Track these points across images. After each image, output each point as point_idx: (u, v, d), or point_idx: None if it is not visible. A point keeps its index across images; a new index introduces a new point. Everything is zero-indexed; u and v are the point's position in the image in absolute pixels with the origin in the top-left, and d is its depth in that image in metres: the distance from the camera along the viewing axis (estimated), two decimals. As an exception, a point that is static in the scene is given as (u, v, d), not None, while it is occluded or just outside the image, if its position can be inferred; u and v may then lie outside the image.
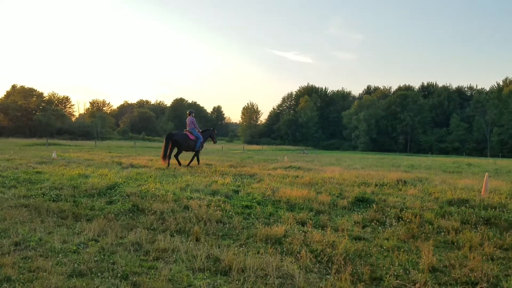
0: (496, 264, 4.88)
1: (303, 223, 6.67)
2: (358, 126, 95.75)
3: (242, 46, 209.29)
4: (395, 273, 4.49)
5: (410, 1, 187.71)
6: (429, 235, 6.16)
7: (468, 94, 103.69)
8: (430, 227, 6.48)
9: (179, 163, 15.12)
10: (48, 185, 9.05)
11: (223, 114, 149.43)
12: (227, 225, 6.38)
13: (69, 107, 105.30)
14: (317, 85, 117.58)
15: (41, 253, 4.87)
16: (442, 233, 6.24)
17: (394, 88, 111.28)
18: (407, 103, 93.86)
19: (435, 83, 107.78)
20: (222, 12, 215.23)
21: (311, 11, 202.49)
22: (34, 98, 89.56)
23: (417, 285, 4.20)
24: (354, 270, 4.58)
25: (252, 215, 7.09)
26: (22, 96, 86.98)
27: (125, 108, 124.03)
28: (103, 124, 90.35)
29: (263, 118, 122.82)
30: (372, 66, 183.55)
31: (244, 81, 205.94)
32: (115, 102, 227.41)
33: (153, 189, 8.72)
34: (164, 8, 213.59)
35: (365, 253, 5.24)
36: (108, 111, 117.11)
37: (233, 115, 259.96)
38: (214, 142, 17.39)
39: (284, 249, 5.30)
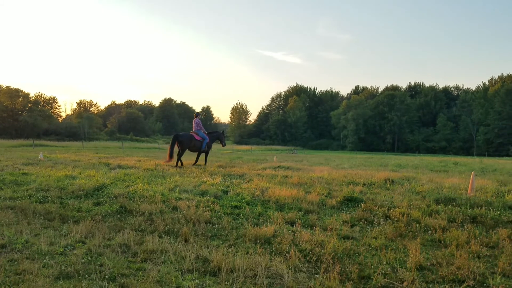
0: (482, 261, 4.95)
1: (292, 223, 6.69)
2: (347, 126, 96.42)
3: (231, 46, 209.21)
4: (383, 272, 4.53)
5: (397, 2, 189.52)
6: (416, 233, 6.22)
7: (455, 94, 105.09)
8: (417, 225, 6.55)
9: (181, 163, 15.49)
10: (35, 186, 8.94)
11: (212, 114, 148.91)
12: (216, 225, 6.37)
13: (56, 108, 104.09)
14: (305, 85, 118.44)
15: (28, 256, 4.80)
16: (429, 232, 6.31)
17: (381, 88, 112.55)
18: (395, 103, 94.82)
19: (422, 83, 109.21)
20: (210, 12, 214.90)
21: (299, 11, 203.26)
22: (20, 99, 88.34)
23: (405, 283, 4.24)
24: (342, 269, 4.61)
25: (241, 215, 7.09)
26: (8, 97, 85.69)
27: (113, 108, 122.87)
28: (90, 124, 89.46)
29: (252, 118, 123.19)
30: (360, 66, 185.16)
31: (233, 81, 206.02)
32: (102, 103, 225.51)
33: (141, 190, 8.66)
34: (152, 7, 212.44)
35: (353, 252, 5.28)
36: (96, 112, 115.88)
37: (222, 115, 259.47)
38: (223, 145, 17.73)
39: (273, 249, 5.31)
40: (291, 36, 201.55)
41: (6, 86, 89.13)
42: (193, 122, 16.46)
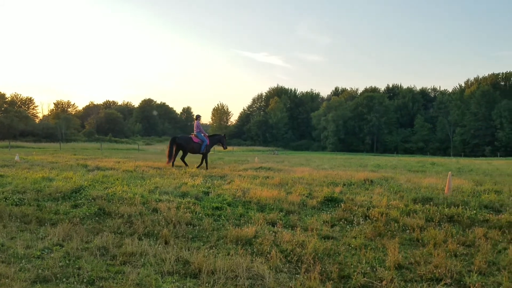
0: (459, 260, 5.06)
1: (273, 224, 6.71)
2: (327, 127, 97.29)
3: (212, 47, 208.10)
4: (363, 271, 4.59)
5: (375, 5, 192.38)
6: (395, 233, 6.32)
7: (432, 96, 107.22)
8: (395, 225, 6.66)
9: (186, 164, 15.77)
10: (11, 189, 8.71)
11: (193, 115, 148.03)
12: (197, 227, 6.34)
13: (33, 109, 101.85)
14: (286, 86, 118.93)
15: (3, 259, 4.69)
16: (408, 231, 6.42)
17: (360, 89, 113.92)
18: (373, 105, 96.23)
19: (400, 85, 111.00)
20: (192, 12, 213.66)
21: (280, 13, 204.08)
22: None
23: (384, 282, 4.31)
24: (323, 269, 4.65)
25: (222, 216, 7.07)
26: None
27: (91, 109, 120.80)
28: (68, 125, 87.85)
29: (233, 119, 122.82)
30: (339, 68, 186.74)
31: (214, 82, 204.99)
32: (80, 103, 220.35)
33: (120, 192, 8.54)
34: (131, 5, 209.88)
35: (333, 251, 5.33)
36: (73, 112, 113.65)
37: (203, 116, 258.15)
38: (224, 148, 17.90)
39: (255, 250, 5.32)
40: (272, 38, 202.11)
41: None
42: (194, 124, 16.82)
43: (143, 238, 5.69)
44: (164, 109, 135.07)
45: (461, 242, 5.84)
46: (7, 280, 4.08)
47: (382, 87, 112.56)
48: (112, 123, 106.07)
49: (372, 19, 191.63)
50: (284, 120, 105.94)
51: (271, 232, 6.09)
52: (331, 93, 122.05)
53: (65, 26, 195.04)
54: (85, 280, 4.19)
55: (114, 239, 5.55)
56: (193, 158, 18.62)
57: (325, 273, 4.56)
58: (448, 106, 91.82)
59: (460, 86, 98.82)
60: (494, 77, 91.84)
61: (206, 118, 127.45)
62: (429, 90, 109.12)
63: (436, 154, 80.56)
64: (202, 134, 16.26)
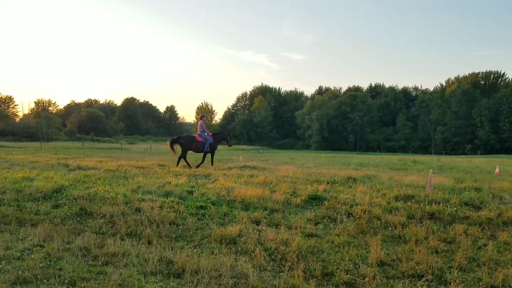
0: (440, 256, 5.15)
1: (257, 222, 6.71)
2: (311, 126, 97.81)
3: (197, 45, 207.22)
4: (346, 268, 4.63)
5: (358, 4, 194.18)
6: (377, 230, 6.40)
7: (413, 95, 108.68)
8: (378, 222, 6.74)
9: (188, 164, 15.83)
10: (-12, 189, 8.50)
11: (177, 114, 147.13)
12: (181, 226, 6.30)
13: (13, 107, 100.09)
14: (270, 85, 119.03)
15: (-19, 262, 4.57)
16: (390, 228, 6.50)
17: (344, 88, 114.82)
18: (356, 103, 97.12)
19: (382, 84, 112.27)
20: (174, 10, 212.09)
21: (265, 11, 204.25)
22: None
23: (366, 279, 4.35)
24: (306, 267, 4.67)
25: (206, 215, 7.04)
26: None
27: (72, 107, 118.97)
28: (49, 124, 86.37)
29: (218, 118, 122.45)
30: (323, 67, 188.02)
31: (198, 81, 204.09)
32: (61, 102, 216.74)
33: (102, 191, 8.42)
34: (112, 3, 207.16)
35: (317, 249, 5.36)
36: (54, 111, 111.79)
37: (187, 115, 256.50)
38: (229, 146, 17.99)
39: (239, 248, 5.32)
40: (257, 36, 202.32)
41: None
42: (198, 124, 17.03)
43: (125, 238, 5.63)
44: (147, 107, 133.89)
45: (442, 238, 5.95)
46: (-15, 282, 3.99)
47: (365, 86, 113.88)
48: (94, 122, 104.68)
49: (355, 19, 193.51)
50: (268, 119, 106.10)
51: (255, 230, 6.10)
52: (315, 92, 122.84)
53: (45, 24, 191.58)
54: (66, 281, 4.13)
55: (96, 239, 5.47)
56: (193, 158, 18.62)
57: (308, 270, 4.59)
58: (430, 105, 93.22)
59: (441, 85, 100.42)
60: (474, 76, 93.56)
61: (191, 117, 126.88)
62: (411, 89, 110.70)
63: (418, 152, 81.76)
64: (206, 133, 16.47)
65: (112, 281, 4.10)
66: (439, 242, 5.76)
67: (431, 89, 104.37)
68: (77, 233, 5.82)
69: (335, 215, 7.26)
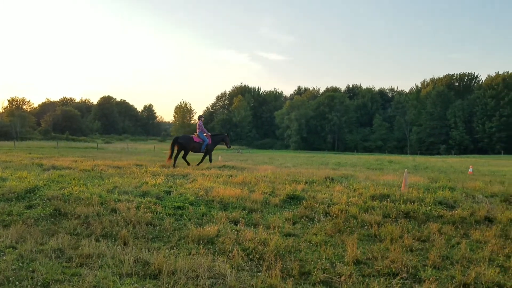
0: (414, 255, 5.25)
1: (236, 222, 6.69)
2: (290, 126, 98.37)
3: (176, 44, 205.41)
4: (323, 267, 4.66)
5: (337, 5, 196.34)
6: (353, 229, 6.47)
7: (390, 96, 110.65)
8: (354, 221, 6.82)
9: (187, 163, 16.14)
10: (-44, 190, 8.21)
11: (155, 113, 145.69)
12: (158, 227, 6.23)
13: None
14: (250, 85, 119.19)
15: None
16: (366, 227, 6.59)
17: (322, 89, 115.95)
18: (334, 104, 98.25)
19: (360, 85, 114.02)
20: (153, 8, 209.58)
21: (243, 10, 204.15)
22: None
23: (343, 277, 4.40)
24: (284, 266, 4.69)
25: (184, 216, 6.97)
26: None
27: (47, 106, 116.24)
28: (22, 123, 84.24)
29: (196, 117, 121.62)
30: (302, 68, 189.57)
31: (177, 80, 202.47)
32: (36, 100, 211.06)
33: (77, 192, 8.24)
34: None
35: (295, 249, 5.39)
36: (29, 110, 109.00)
37: (166, 114, 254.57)
38: (228, 147, 18.23)
39: (217, 249, 5.29)
40: (237, 36, 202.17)
41: None
42: (197, 124, 17.10)
43: (100, 239, 5.53)
44: (124, 106, 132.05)
45: (416, 237, 6.05)
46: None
47: (342, 87, 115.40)
48: (69, 121, 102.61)
49: (333, 20, 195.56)
50: (248, 118, 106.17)
51: (233, 230, 6.08)
52: (294, 92, 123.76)
53: (18, 20, 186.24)
54: (39, 283, 4.03)
55: (70, 240, 5.35)
56: (193, 158, 18.79)
57: (286, 270, 4.60)
58: (405, 106, 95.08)
59: (417, 86, 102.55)
60: (448, 78, 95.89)
61: (169, 116, 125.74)
62: (387, 91, 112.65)
63: (394, 152, 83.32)
64: (204, 134, 16.61)
65: (87, 283, 4.02)
66: (413, 240, 5.86)
67: (407, 91, 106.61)
68: (51, 234, 5.68)
69: (313, 214, 7.31)
